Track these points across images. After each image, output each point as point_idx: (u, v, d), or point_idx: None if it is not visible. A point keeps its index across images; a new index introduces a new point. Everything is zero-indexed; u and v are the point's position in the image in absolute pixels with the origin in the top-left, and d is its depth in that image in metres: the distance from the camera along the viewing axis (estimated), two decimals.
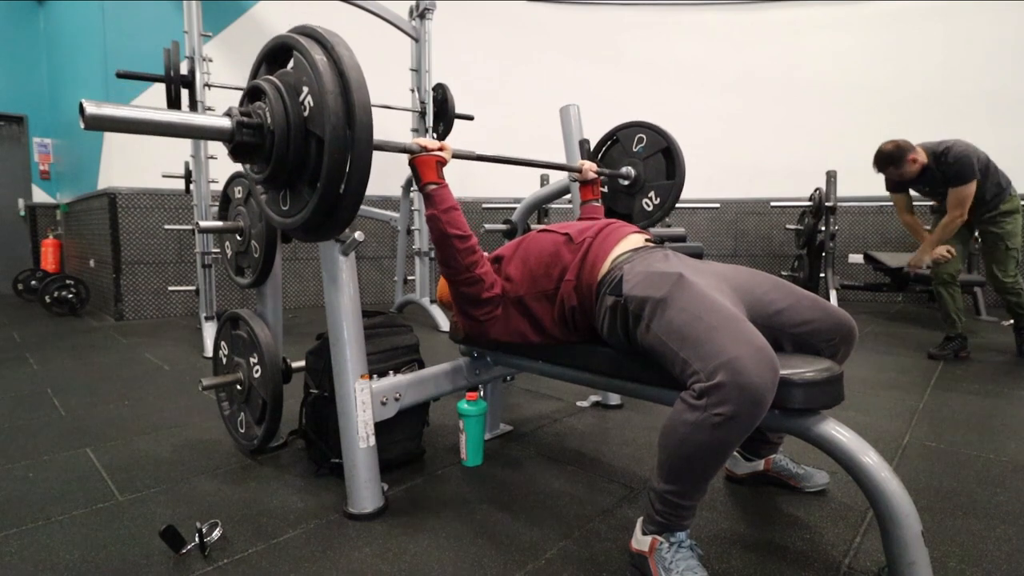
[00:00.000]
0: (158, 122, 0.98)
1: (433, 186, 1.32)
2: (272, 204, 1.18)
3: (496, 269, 1.40)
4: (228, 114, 1.05)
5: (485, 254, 1.37)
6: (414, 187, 4.15)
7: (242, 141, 1.04)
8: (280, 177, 1.08)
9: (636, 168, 2.06)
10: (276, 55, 1.14)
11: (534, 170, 5.18)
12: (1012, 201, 2.90)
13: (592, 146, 2.20)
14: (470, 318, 1.37)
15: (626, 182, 2.09)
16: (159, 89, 3.11)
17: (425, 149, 1.33)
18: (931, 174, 2.89)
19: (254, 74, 1.19)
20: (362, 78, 1.01)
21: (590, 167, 1.87)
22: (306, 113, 1.03)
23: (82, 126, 0.88)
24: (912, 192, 3.13)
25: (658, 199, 2.04)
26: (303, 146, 1.04)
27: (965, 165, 2.79)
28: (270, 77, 1.08)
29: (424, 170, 1.33)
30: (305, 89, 1.02)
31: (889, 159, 2.90)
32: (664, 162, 2.04)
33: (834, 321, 1.15)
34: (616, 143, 2.14)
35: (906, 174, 2.91)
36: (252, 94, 1.11)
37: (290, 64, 1.10)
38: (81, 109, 0.87)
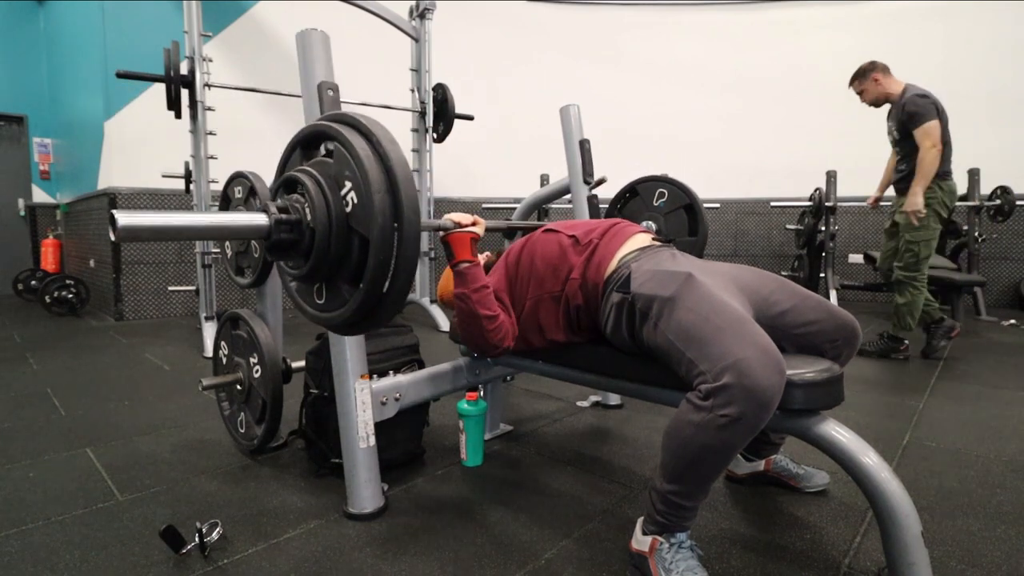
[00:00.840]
0: (193, 227, 0.94)
1: (466, 264, 1.29)
2: (305, 296, 1.10)
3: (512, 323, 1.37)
4: (264, 210, 0.97)
5: (504, 318, 1.33)
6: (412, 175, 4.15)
7: (280, 239, 0.96)
8: (319, 275, 1.01)
9: (658, 223, 1.99)
10: (311, 142, 1.07)
11: (534, 170, 5.19)
12: (930, 190, 2.86)
13: (611, 199, 2.15)
14: (480, 352, 1.38)
15: None
16: (159, 89, 3.11)
17: (459, 225, 1.31)
18: (896, 111, 2.97)
19: (286, 160, 1.11)
20: (409, 174, 0.94)
21: None
22: (348, 209, 0.94)
23: (112, 238, 0.83)
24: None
25: (671, 237, 1.98)
26: (346, 245, 0.96)
27: (921, 106, 2.84)
28: (308, 168, 1.00)
29: (458, 248, 1.30)
30: (348, 184, 0.94)
31: (856, 73, 3.06)
32: (686, 218, 1.97)
33: (838, 323, 1.15)
34: (636, 196, 2.05)
35: (868, 92, 3.02)
36: (288, 185, 1.03)
37: (322, 149, 1.04)
38: (112, 220, 0.82)
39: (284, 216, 0.96)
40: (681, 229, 1.98)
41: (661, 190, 2.00)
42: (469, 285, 1.28)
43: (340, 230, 0.95)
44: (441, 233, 1.32)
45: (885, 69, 3.06)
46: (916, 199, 2.80)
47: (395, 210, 0.91)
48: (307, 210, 0.96)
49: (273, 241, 0.96)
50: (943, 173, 2.87)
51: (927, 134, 2.79)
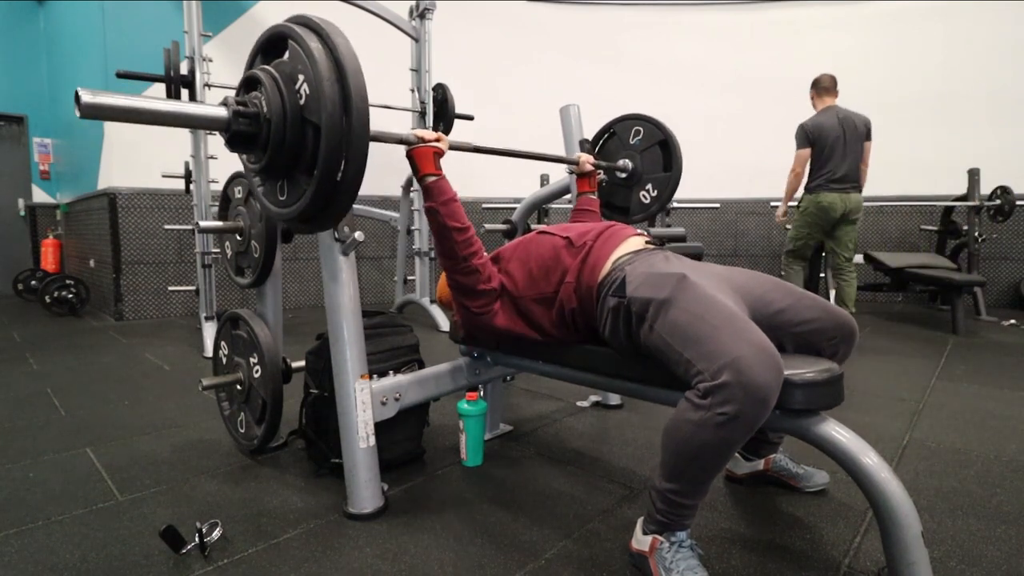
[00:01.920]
0: (154, 111, 0.98)
1: (432, 178, 1.31)
2: (270, 195, 1.18)
3: (496, 269, 1.40)
4: (224, 103, 1.05)
5: (486, 253, 1.37)
6: (414, 187, 4.15)
7: (238, 130, 1.04)
8: (277, 167, 1.08)
9: (633, 160, 2.06)
10: (272, 45, 1.14)
11: (534, 170, 5.19)
12: (804, 200, 3.43)
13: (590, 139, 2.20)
14: (467, 310, 1.37)
15: (623, 175, 2.09)
16: (159, 89, 3.11)
17: (422, 140, 1.32)
18: None
19: (250, 64, 1.18)
20: (358, 65, 1.01)
21: (587, 159, 1.88)
22: (302, 101, 1.02)
23: (77, 114, 0.88)
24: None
25: (655, 191, 2.04)
26: (299, 134, 1.03)
27: (796, 134, 3.43)
28: (266, 67, 1.08)
29: (422, 162, 1.32)
30: (301, 77, 1.01)
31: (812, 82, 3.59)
32: (661, 154, 2.03)
33: (835, 321, 1.16)
34: (613, 136, 2.14)
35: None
36: (248, 84, 1.11)
37: (286, 54, 1.10)
38: (77, 98, 0.87)
39: (242, 108, 1.04)
40: (656, 166, 2.04)
41: (637, 128, 2.07)
42: (436, 199, 1.30)
43: (294, 121, 1.03)
44: (405, 148, 1.33)
45: (821, 88, 3.50)
46: (778, 210, 3.66)
47: (343, 98, 0.98)
48: (264, 103, 1.04)
49: (232, 132, 1.04)
50: (814, 188, 3.33)
51: (794, 159, 3.41)
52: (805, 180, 3.42)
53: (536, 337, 1.35)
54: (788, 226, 3.63)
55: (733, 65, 5.69)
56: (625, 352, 1.17)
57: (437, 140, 1.35)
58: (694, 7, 5.75)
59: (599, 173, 2.00)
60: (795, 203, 3.62)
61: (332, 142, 0.98)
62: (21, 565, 1.13)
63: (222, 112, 1.04)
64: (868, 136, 3.35)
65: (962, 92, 5.07)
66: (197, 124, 1.06)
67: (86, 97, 0.88)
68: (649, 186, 2.05)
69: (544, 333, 1.33)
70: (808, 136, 3.32)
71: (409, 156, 1.34)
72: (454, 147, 1.42)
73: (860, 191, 3.33)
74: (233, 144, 1.08)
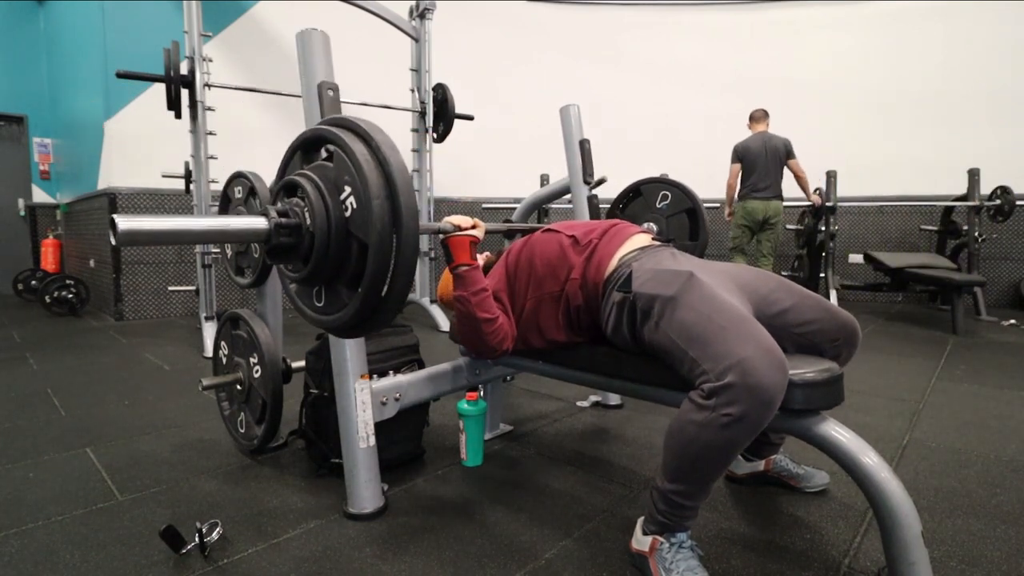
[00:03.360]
0: (193, 231, 0.94)
1: (465, 268, 1.29)
2: (304, 298, 1.11)
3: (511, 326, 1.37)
4: (264, 214, 0.98)
5: (503, 320, 1.34)
6: (414, 187, 4.15)
7: (279, 243, 0.97)
8: (318, 278, 1.02)
9: (659, 224, 1.97)
10: (312, 146, 1.08)
11: (534, 170, 5.19)
12: (736, 206, 4.27)
13: (614, 199, 2.15)
14: (480, 353, 1.38)
15: None
16: (159, 89, 3.11)
17: (458, 228, 1.31)
18: None
19: (286, 163, 1.12)
20: (409, 180, 0.94)
21: None
22: (348, 214, 0.95)
23: (113, 242, 0.83)
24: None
25: (671, 237, 1.97)
26: (344, 248, 0.97)
27: (732, 152, 4.24)
28: (307, 172, 1.00)
29: (457, 251, 1.30)
30: (348, 189, 0.95)
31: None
32: (688, 222, 1.96)
33: (838, 322, 1.15)
34: (639, 196, 2.04)
35: None
36: (288, 189, 1.03)
37: (323, 153, 1.04)
38: (113, 225, 0.82)
39: (284, 220, 0.96)
40: (682, 233, 1.96)
41: (664, 192, 1.99)
42: (468, 288, 1.28)
43: (339, 235, 0.95)
44: (441, 236, 1.32)
45: (754, 119, 4.31)
46: (725, 212, 4.47)
47: (394, 216, 0.92)
48: (307, 214, 0.97)
49: (273, 245, 0.97)
50: (743, 196, 4.19)
51: (728, 172, 4.29)
52: (738, 189, 4.25)
53: (542, 347, 1.35)
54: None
55: (733, 65, 5.69)
56: (628, 349, 1.17)
57: (473, 227, 1.33)
58: (694, 7, 5.75)
59: None
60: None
61: (380, 261, 0.92)
62: (21, 565, 1.13)
63: (263, 224, 0.96)
64: (789, 155, 4.17)
65: (962, 92, 5.07)
66: (237, 239, 1.01)
67: (123, 224, 0.82)
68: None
69: (550, 342, 1.33)
70: (737, 154, 4.20)
71: (444, 244, 1.32)
72: (490, 231, 1.39)
73: (780, 199, 4.16)
74: (273, 256, 1.02)
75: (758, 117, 4.30)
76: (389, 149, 0.94)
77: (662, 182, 2.01)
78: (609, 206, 2.08)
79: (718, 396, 0.90)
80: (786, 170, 4.22)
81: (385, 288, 0.95)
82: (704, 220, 1.93)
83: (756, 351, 0.90)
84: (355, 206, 0.93)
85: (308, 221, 0.97)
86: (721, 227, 5.72)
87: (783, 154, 4.13)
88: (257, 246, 1.64)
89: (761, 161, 4.08)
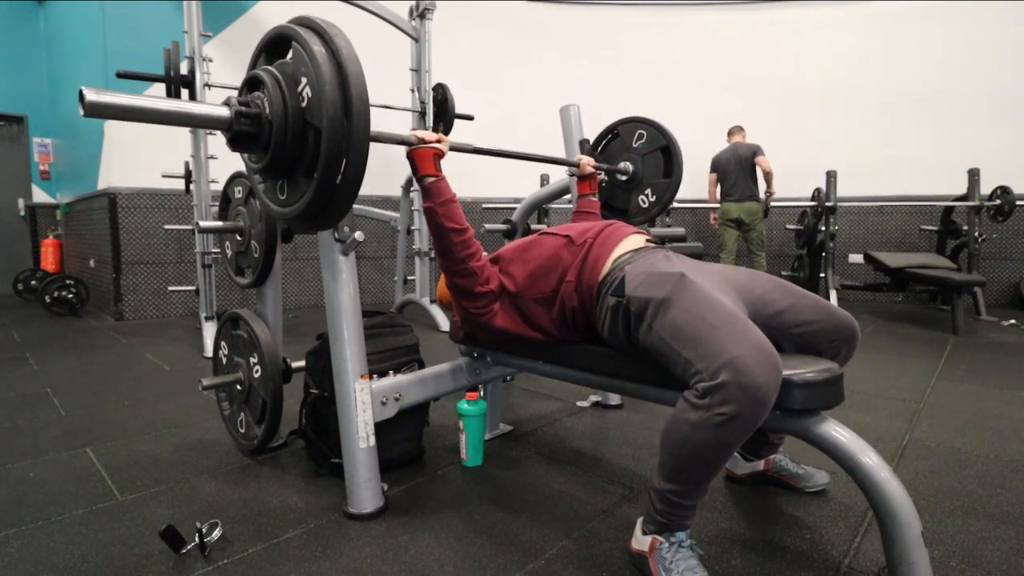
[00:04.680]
0: (156, 110, 0.99)
1: (431, 179, 1.31)
2: (270, 193, 1.19)
3: (496, 270, 1.39)
4: (227, 103, 1.05)
5: (485, 253, 1.37)
6: (414, 187, 4.15)
7: (240, 130, 1.05)
8: (278, 167, 1.09)
9: (634, 164, 2.06)
10: (275, 46, 1.15)
11: (534, 171, 5.19)
12: (718, 211, 4.82)
13: (592, 140, 2.20)
14: (466, 311, 1.37)
15: (624, 177, 2.09)
16: (159, 89, 3.11)
17: (423, 141, 1.33)
18: None
19: (253, 64, 1.19)
20: (360, 69, 1.01)
21: (588, 162, 1.89)
22: (304, 103, 1.03)
23: (81, 113, 0.89)
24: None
25: (655, 196, 2.04)
26: (301, 136, 1.04)
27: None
28: (269, 67, 1.09)
29: (422, 163, 1.32)
30: (303, 80, 1.02)
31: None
32: (663, 160, 2.03)
33: (836, 322, 1.15)
34: (616, 137, 2.14)
35: None
36: (251, 84, 1.11)
37: (289, 55, 1.11)
38: (81, 96, 0.88)
39: (244, 109, 1.05)
40: (657, 171, 2.04)
41: (640, 131, 2.07)
42: (435, 199, 1.30)
43: (296, 122, 1.04)
44: (406, 149, 1.34)
45: (731, 132, 4.86)
46: (711, 218, 5.04)
47: (345, 102, 0.99)
48: (266, 104, 1.05)
49: (234, 132, 1.05)
50: (721, 200, 4.75)
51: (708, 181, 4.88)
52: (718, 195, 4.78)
53: (536, 337, 1.35)
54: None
55: (733, 65, 5.69)
56: (624, 351, 1.17)
57: (438, 141, 1.35)
58: (694, 7, 5.75)
59: (600, 175, 2.00)
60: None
61: (333, 145, 0.99)
62: (21, 565, 1.13)
63: (224, 112, 1.04)
64: (756, 154, 4.55)
65: (962, 92, 5.07)
66: (199, 123, 1.07)
67: (90, 96, 0.88)
68: (649, 190, 2.05)
69: (544, 332, 1.33)
70: (713, 165, 4.79)
71: (409, 157, 1.34)
72: (454, 148, 1.42)
73: (755, 200, 4.62)
74: (235, 144, 1.09)
75: (734, 131, 4.86)
76: (342, 40, 1.02)
77: (638, 121, 2.09)
78: (590, 143, 2.13)
79: (712, 395, 0.90)
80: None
81: (340, 174, 1.02)
82: (678, 157, 2.00)
83: (749, 350, 0.90)
84: (310, 95, 1.01)
85: (267, 110, 1.05)
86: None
87: (749, 158, 4.57)
88: (256, 243, 1.64)
89: (731, 168, 4.63)
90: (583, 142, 2.12)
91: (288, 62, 1.08)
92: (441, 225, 1.29)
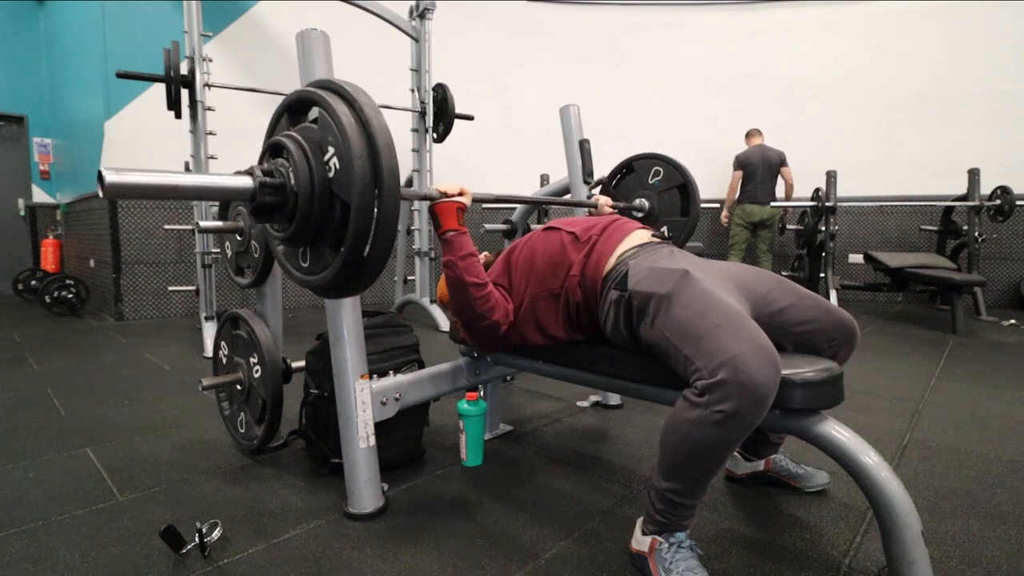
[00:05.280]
0: (178, 186, 0.94)
1: (452, 233, 1.29)
2: (291, 258, 1.14)
3: (509, 308, 1.37)
4: (250, 173, 1.00)
5: (494, 290, 1.34)
6: (413, 187, 4.15)
7: (264, 202, 0.99)
8: (302, 237, 1.04)
9: (651, 200, 2.00)
10: (298, 108, 1.10)
11: (534, 171, 5.19)
12: (735, 210, 4.80)
13: (607, 174, 2.14)
14: (475, 333, 1.38)
15: (640, 214, 2.04)
16: (159, 89, 3.11)
17: (445, 195, 1.31)
18: None
19: (273, 126, 1.14)
20: (390, 139, 0.96)
21: (606, 202, 1.85)
22: (331, 174, 0.97)
23: (100, 194, 0.84)
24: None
25: (671, 234, 1.98)
26: (327, 208, 0.99)
27: (733, 161, 4.76)
28: (292, 133, 1.03)
29: (445, 217, 1.30)
30: (331, 149, 0.97)
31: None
32: (679, 198, 1.98)
33: (835, 321, 1.15)
34: (631, 173, 2.06)
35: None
36: (274, 150, 1.05)
37: (311, 114, 1.06)
38: (100, 178, 0.83)
39: (268, 179, 0.99)
40: (674, 208, 1.99)
41: (657, 168, 2.02)
42: (456, 253, 1.28)
43: (322, 195, 0.98)
44: (428, 203, 1.32)
45: (750, 134, 4.87)
46: (721, 215, 5.00)
47: (375, 176, 0.94)
48: (291, 174, 1.00)
49: (258, 203, 1.00)
50: (742, 201, 4.74)
51: (731, 178, 4.80)
52: (737, 194, 4.78)
53: (542, 343, 1.35)
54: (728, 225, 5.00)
55: (733, 65, 5.69)
56: (625, 347, 1.17)
57: (460, 194, 1.33)
58: (694, 7, 5.75)
59: (615, 213, 1.97)
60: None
61: (361, 221, 0.94)
62: (21, 565, 1.13)
63: (247, 183, 0.99)
64: (783, 164, 4.67)
65: (962, 92, 5.07)
66: (223, 196, 1.02)
67: (110, 177, 0.84)
68: (664, 229, 2.01)
69: (549, 336, 1.33)
70: (739, 163, 4.73)
71: (431, 211, 1.32)
72: (477, 200, 1.39)
73: (774, 206, 4.76)
74: (258, 215, 1.04)
75: (753, 133, 4.89)
76: (372, 111, 0.96)
77: (655, 157, 2.03)
78: (604, 179, 2.09)
79: (711, 393, 0.91)
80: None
81: (367, 249, 0.98)
82: (696, 196, 1.95)
83: (749, 348, 0.90)
84: (338, 167, 0.96)
85: (292, 181, 0.99)
86: (722, 227, 5.74)
87: (776, 165, 4.66)
88: (256, 243, 1.64)
89: (759, 171, 4.63)
90: (583, 142, 2.13)
91: (313, 127, 1.02)
92: (461, 279, 1.28)
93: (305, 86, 1.06)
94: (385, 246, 0.98)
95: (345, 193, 0.95)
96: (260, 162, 1.07)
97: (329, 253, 1.03)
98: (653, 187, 2.01)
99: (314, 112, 1.06)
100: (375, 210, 0.95)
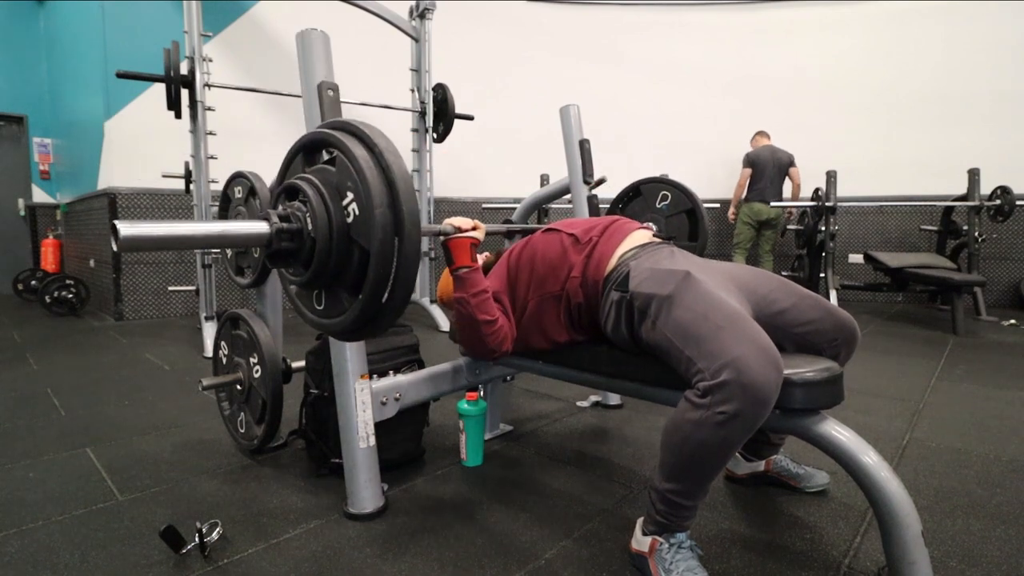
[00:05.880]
0: (194, 236, 0.94)
1: (466, 270, 1.29)
2: (305, 301, 1.10)
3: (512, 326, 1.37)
4: (265, 218, 0.97)
5: (503, 322, 1.33)
6: (414, 187, 4.14)
7: (280, 248, 0.97)
8: (318, 282, 1.01)
9: (659, 224, 1.98)
10: (313, 149, 1.07)
11: (534, 171, 5.19)
12: (741, 208, 4.80)
13: (613, 199, 2.15)
14: (478, 356, 1.39)
15: None
16: (159, 89, 3.11)
17: (459, 230, 1.31)
18: None
19: (287, 166, 1.11)
20: (411, 187, 0.93)
21: None
22: (350, 219, 0.94)
23: (115, 248, 0.83)
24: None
25: (672, 235, 1.97)
26: (345, 254, 0.96)
27: (743, 159, 4.78)
28: (309, 176, 0.99)
29: (458, 253, 1.30)
30: (350, 195, 0.94)
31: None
32: (688, 223, 1.96)
33: (836, 322, 1.15)
34: (638, 196, 2.05)
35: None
36: (289, 192, 1.02)
37: (326, 157, 1.03)
38: (114, 230, 0.81)
39: (285, 225, 0.96)
40: (682, 233, 1.97)
41: (664, 192, 1.99)
42: (468, 290, 1.28)
43: (341, 240, 0.95)
44: (441, 238, 1.32)
45: (759, 135, 4.92)
46: (729, 211, 5.02)
47: (396, 224, 0.91)
48: (308, 219, 0.96)
49: (274, 250, 0.96)
50: (748, 198, 4.76)
51: (740, 176, 4.81)
52: (744, 192, 4.80)
53: (545, 348, 1.35)
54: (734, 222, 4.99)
55: (733, 65, 5.69)
56: (627, 348, 1.17)
57: (473, 229, 1.33)
58: (694, 7, 5.75)
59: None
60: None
61: (381, 269, 0.91)
62: (21, 565, 1.13)
63: (264, 228, 0.96)
64: (791, 164, 4.75)
65: (962, 92, 5.07)
66: (239, 244, 1.00)
67: (125, 230, 0.82)
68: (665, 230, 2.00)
69: (552, 342, 1.33)
70: (749, 160, 4.75)
71: (444, 247, 1.32)
72: (490, 233, 1.40)
73: (781, 206, 4.82)
74: (273, 261, 1.01)
75: (760, 135, 4.94)
76: (392, 156, 0.93)
77: (662, 182, 2.01)
78: (609, 206, 2.08)
79: (713, 394, 0.90)
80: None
81: (386, 295, 0.95)
82: (704, 221, 1.93)
83: (751, 349, 0.90)
84: (357, 213, 0.92)
85: (309, 226, 0.96)
86: (722, 226, 5.74)
87: (786, 166, 4.74)
88: (257, 248, 1.64)
89: (769, 170, 4.67)
90: (583, 142, 2.13)
91: (330, 169, 0.99)
92: (473, 316, 1.28)
93: (320, 127, 1.03)
94: (405, 292, 0.95)
95: (365, 240, 0.92)
96: (274, 205, 1.04)
97: (347, 298, 1.00)
98: (661, 211, 1.99)
99: (328, 152, 1.03)
100: (395, 257, 0.92)
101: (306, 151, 1.07)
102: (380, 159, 0.92)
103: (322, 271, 0.97)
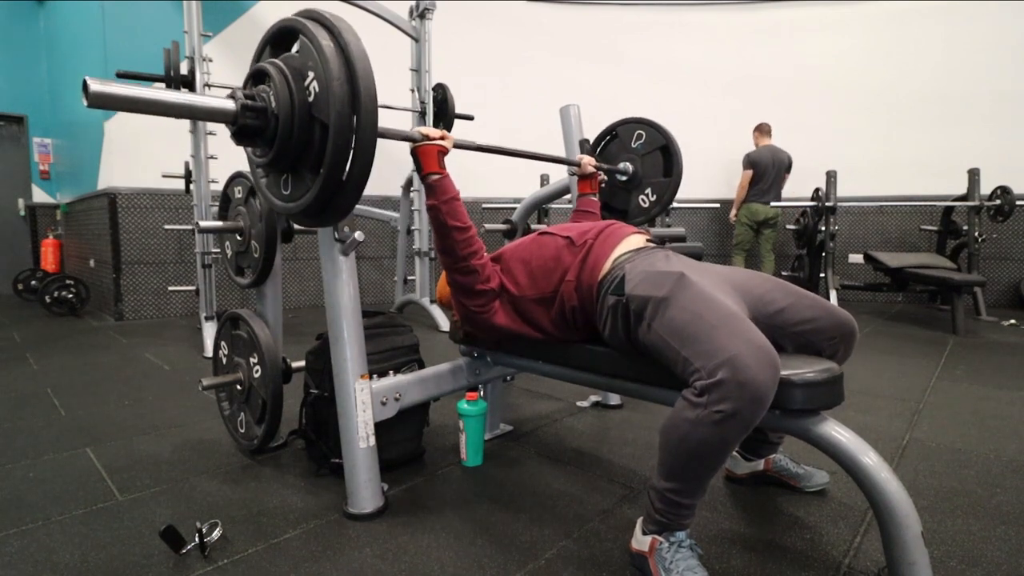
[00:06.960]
0: (161, 102, 0.97)
1: (435, 176, 1.32)
2: (273, 187, 1.17)
3: (497, 268, 1.39)
4: (232, 96, 1.03)
5: (487, 252, 1.38)
6: (414, 187, 4.15)
7: (246, 124, 1.03)
8: (283, 161, 1.07)
9: (634, 164, 2.07)
10: (281, 39, 1.13)
11: (534, 171, 5.19)
12: (741, 209, 4.85)
13: (592, 141, 2.21)
14: (466, 309, 1.37)
15: (623, 178, 2.10)
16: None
17: (427, 138, 1.33)
18: None
19: (258, 56, 1.17)
20: (368, 65, 1.00)
21: (588, 161, 1.91)
22: (311, 98, 1.01)
23: (85, 103, 0.87)
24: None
25: (655, 196, 2.04)
26: (307, 131, 1.03)
27: (743, 160, 4.81)
28: (275, 60, 1.07)
29: (426, 160, 1.33)
30: (311, 74, 1.00)
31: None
32: (662, 159, 2.04)
33: (834, 320, 1.15)
34: (615, 138, 2.15)
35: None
36: (256, 77, 1.09)
37: (295, 47, 1.09)
38: (85, 86, 0.86)
39: (250, 103, 1.02)
40: (656, 170, 2.05)
41: (639, 132, 2.09)
42: (439, 196, 1.30)
43: (302, 117, 1.01)
44: (410, 145, 1.34)
45: (762, 132, 4.92)
46: (731, 213, 5.05)
47: (353, 98, 0.97)
48: (272, 98, 1.03)
49: (239, 126, 1.03)
50: (749, 200, 4.80)
51: (741, 177, 4.84)
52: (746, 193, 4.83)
53: (536, 335, 1.35)
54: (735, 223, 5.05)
55: (733, 65, 5.69)
56: (624, 351, 1.17)
57: (442, 138, 1.35)
58: (694, 7, 5.75)
59: (600, 175, 2.01)
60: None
61: (340, 141, 0.98)
62: (21, 565, 1.13)
63: (230, 105, 1.02)
64: (790, 167, 4.82)
65: (962, 92, 5.07)
66: (204, 116, 1.06)
67: (94, 86, 0.87)
68: (649, 190, 2.06)
69: (544, 332, 1.33)
70: (750, 161, 4.78)
71: (413, 153, 1.34)
72: (458, 145, 1.43)
73: (779, 206, 4.84)
74: (239, 137, 1.07)
75: (765, 130, 4.90)
76: (351, 36, 0.99)
77: (637, 121, 2.11)
78: (590, 145, 2.14)
79: (710, 393, 0.91)
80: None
81: (346, 170, 1.01)
82: (678, 156, 2.01)
83: (747, 348, 0.90)
84: (317, 90, 0.99)
85: (273, 104, 1.02)
86: (722, 227, 5.74)
87: (786, 167, 4.80)
88: (256, 243, 1.64)
89: (769, 171, 4.71)
90: (583, 142, 2.13)
91: (294, 55, 1.06)
92: (444, 223, 1.30)
93: (288, 16, 1.10)
94: (363, 168, 1.01)
95: (324, 115, 0.98)
96: (243, 88, 1.10)
97: (309, 177, 1.06)
98: (636, 151, 2.08)
99: (297, 45, 1.09)
100: (353, 130, 0.97)
101: (274, 42, 1.15)
102: (339, 39, 0.99)
103: (285, 148, 1.04)
